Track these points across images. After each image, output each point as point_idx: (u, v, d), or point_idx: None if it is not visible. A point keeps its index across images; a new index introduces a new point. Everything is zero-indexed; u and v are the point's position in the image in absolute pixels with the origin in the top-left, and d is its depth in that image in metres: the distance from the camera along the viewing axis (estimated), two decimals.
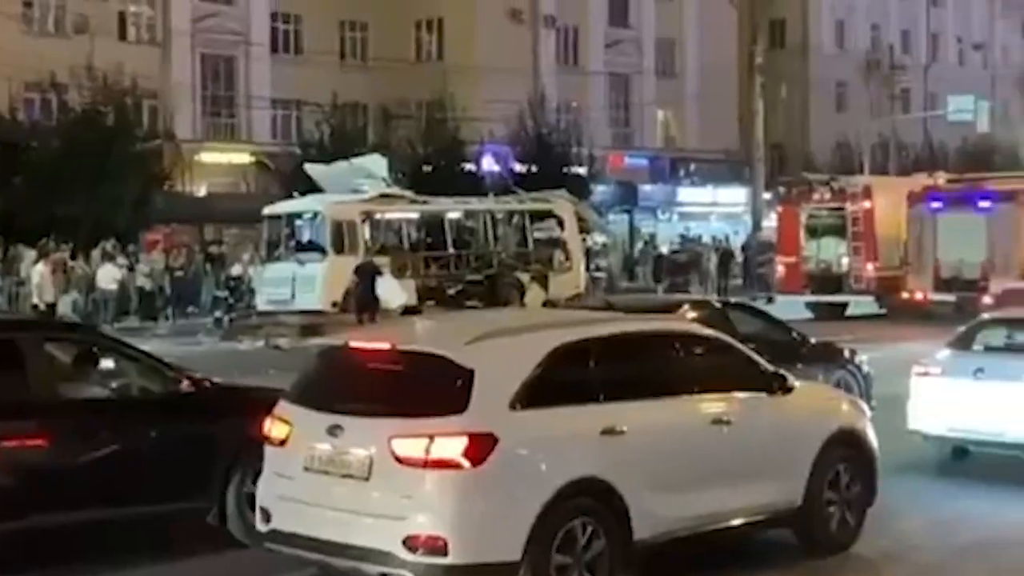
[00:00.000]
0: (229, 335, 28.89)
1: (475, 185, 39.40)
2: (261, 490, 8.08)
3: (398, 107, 46.92)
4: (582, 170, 44.79)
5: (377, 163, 32.34)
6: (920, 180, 32.42)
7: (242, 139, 47.29)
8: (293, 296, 28.56)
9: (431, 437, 7.14)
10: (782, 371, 9.00)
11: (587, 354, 7.92)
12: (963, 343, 12.45)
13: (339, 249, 29.13)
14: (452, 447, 7.12)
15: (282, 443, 7.84)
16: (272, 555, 8.00)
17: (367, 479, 7.34)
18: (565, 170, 43.13)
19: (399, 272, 29.22)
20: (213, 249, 35.75)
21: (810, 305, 31.67)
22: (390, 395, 7.62)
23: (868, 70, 62.94)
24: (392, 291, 28.57)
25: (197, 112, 46.57)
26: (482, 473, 7.15)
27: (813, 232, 32.01)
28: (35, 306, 27.73)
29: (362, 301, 26.43)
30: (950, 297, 28.24)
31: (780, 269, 33.16)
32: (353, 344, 8.26)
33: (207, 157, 45.16)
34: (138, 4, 45.67)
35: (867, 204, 30.99)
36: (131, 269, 32.34)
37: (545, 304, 31.57)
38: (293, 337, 25.59)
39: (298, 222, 30.99)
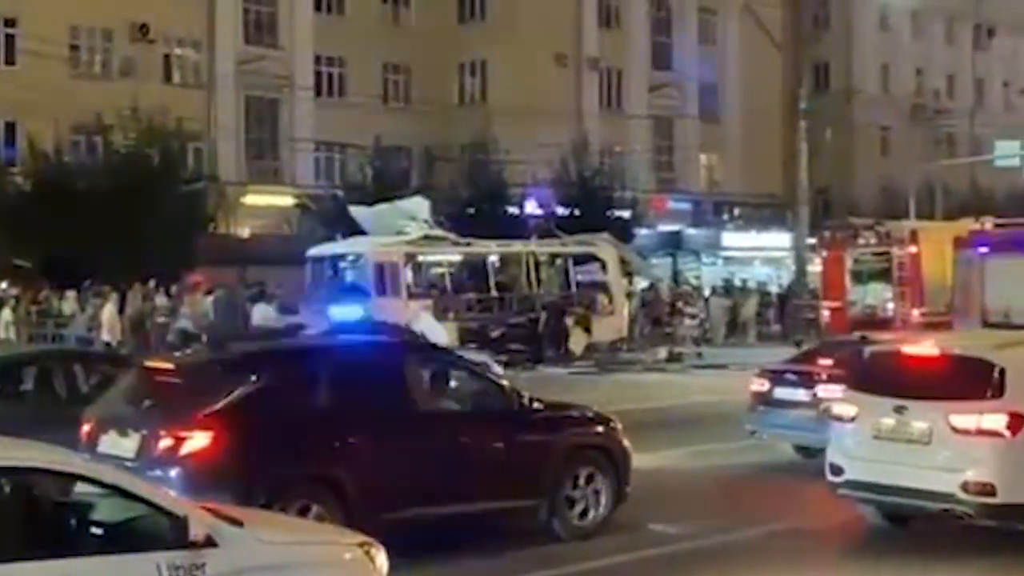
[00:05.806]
0: None
1: (518, 228, 39.27)
2: (832, 452, 11.27)
3: (441, 150, 47.01)
4: (625, 213, 44.67)
5: (420, 205, 32.30)
6: (967, 224, 31.97)
7: (285, 181, 47.46)
8: None
9: (981, 414, 10.33)
10: None
11: None
12: None
13: (381, 291, 29.11)
14: (997, 421, 10.29)
15: (851, 419, 11.15)
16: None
17: (927, 444, 10.58)
18: (608, 213, 43.05)
19: (441, 314, 29.13)
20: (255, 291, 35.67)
21: None
22: (942, 384, 10.77)
23: (913, 114, 62.53)
24: (434, 333, 28.43)
25: (241, 154, 46.84)
26: (1017, 440, 10.24)
27: (859, 277, 31.59)
28: (107, 343, 27.70)
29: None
30: None
31: (825, 314, 32.76)
32: (906, 349, 11.59)
33: (250, 199, 45.30)
34: (184, 47, 46.06)
35: (913, 249, 30.54)
36: (173, 311, 32.35)
37: (588, 348, 31.57)
38: None
39: (341, 264, 31.01)
